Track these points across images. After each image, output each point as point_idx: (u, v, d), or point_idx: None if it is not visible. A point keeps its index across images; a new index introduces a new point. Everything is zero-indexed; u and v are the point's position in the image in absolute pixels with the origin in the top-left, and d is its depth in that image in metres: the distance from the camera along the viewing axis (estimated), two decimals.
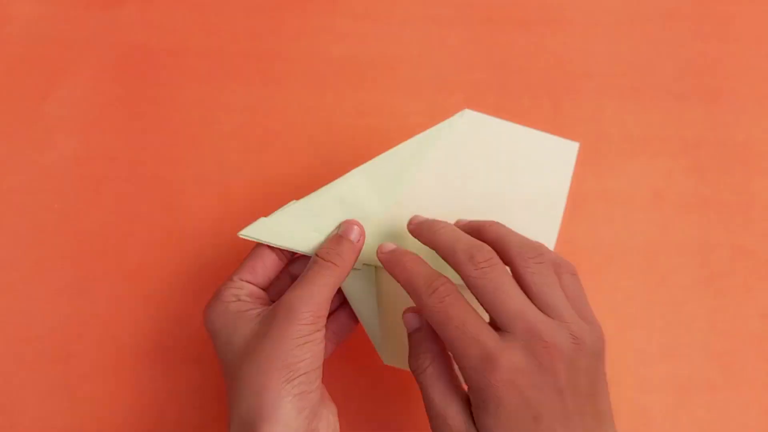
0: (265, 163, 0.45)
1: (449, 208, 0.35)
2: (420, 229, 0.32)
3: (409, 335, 0.32)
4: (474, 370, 0.27)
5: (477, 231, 0.32)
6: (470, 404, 0.28)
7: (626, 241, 0.44)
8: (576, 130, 0.47)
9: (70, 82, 0.47)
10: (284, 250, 0.34)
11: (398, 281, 0.31)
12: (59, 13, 0.49)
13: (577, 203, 0.45)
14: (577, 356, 0.27)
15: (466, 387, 0.29)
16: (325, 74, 0.48)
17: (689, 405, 0.40)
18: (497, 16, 0.50)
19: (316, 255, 0.32)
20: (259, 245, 0.34)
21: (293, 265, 0.36)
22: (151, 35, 0.49)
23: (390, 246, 0.32)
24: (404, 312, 0.33)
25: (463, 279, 0.29)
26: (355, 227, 0.33)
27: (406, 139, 0.47)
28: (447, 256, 0.30)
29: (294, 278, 0.34)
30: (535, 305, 0.28)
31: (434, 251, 0.31)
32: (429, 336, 0.31)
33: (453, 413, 0.28)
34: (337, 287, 0.32)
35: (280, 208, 0.34)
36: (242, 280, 0.33)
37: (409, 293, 0.30)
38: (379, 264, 0.32)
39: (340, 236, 0.33)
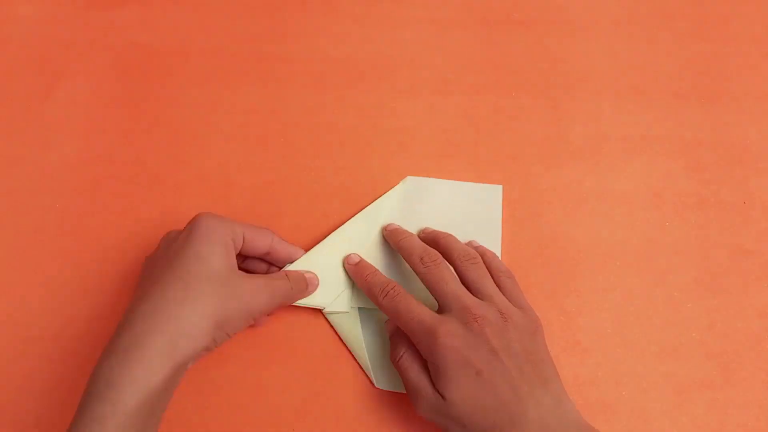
0: (265, 163, 0.45)
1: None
2: (390, 236, 0.42)
3: (390, 337, 0.39)
4: (423, 343, 0.35)
5: (433, 240, 0.41)
6: None
7: (625, 240, 0.44)
8: (576, 130, 0.47)
9: (71, 82, 0.47)
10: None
11: (360, 288, 0.40)
12: (59, 13, 0.49)
13: (576, 203, 0.45)
14: (505, 327, 0.35)
15: None
16: (325, 75, 0.48)
17: (688, 404, 0.40)
18: (497, 16, 0.50)
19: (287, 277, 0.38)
20: (266, 230, 0.39)
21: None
22: (151, 35, 0.49)
23: (355, 259, 0.41)
24: (386, 322, 0.40)
25: (416, 274, 0.38)
26: (315, 281, 0.40)
27: (406, 139, 0.47)
28: (405, 257, 0.40)
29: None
30: (471, 293, 0.37)
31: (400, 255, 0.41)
32: (402, 334, 0.38)
33: (423, 385, 0.35)
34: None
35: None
36: (243, 236, 0.37)
37: (369, 297, 0.39)
38: (365, 306, 0.41)
39: (305, 279, 0.40)
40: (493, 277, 0.39)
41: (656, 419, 0.40)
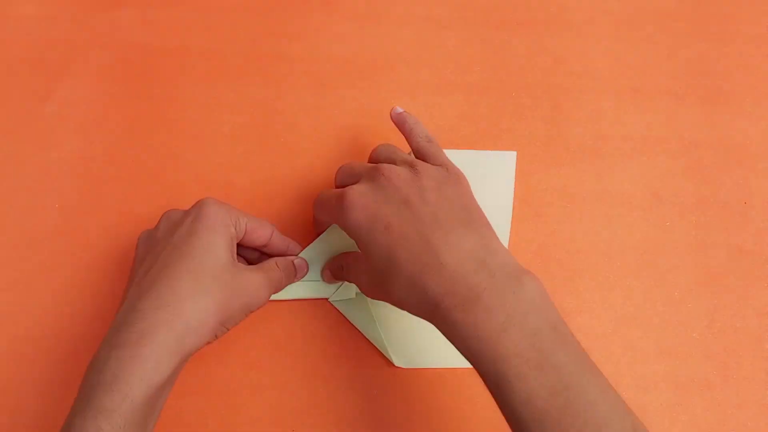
0: (265, 163, 0.45)
1: None
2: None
3: (333, 274, 0.40)
4: (336, 213, 0.34)
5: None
6: None
7: (625, 240, 0.44)
8: (576, 130, 0.47)
9: (71, 82, 0.47)
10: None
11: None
12: (59, 13, 0.49)
13: (576, 203, 0.45)
14: (416, 177, 0.33)
15: None
16: (325, 74, 0.48)
17: (687, 404, 0.41)
18: (497, 16, 0.50)
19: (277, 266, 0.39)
20: (267, 222, 0.39)
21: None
22: (151, 35, 0.49)
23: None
24: (322, 270, 0.41)
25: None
26: (304, 268, 0.40)
27: (404, 139, 0.47)
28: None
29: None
30: None
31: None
32: (337, 266, 0.39)
33: (359, 272, 0.36)
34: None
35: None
36: (245, 227, 0.37)
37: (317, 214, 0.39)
38: None
39: (295, 266, 0.40)
40: (412, 144, 0.38)
41: (656, 419, 0.40)
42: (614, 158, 0.46)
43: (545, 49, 0.49)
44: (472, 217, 0.33)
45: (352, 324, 0.41)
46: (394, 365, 0.40)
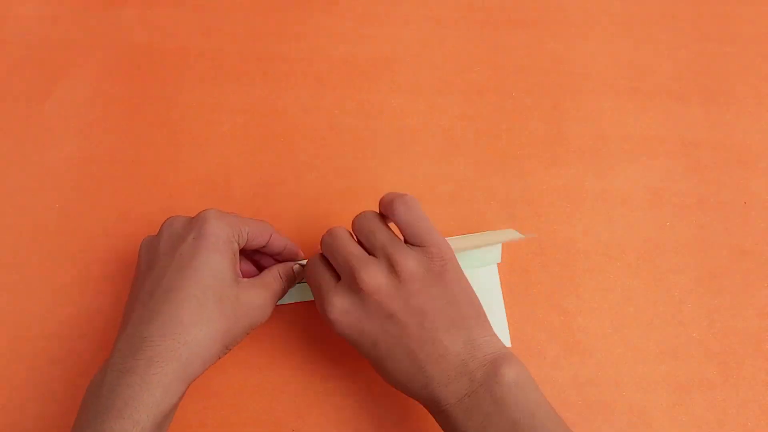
0: (265, 163, 0.45)
1: None
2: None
3: None
4: (322, 312, 0.34)
5: None
6: None
7: (625, 240, 0.44)
8: (576, 130, 0.47)
9: (71, 82, 0.47)
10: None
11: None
12: (59, 13, 0.49)
13: (576, 203, 0.45)
14: (398, 285, 0.32)
15: None
16: (325, 74, 0.48)
17: (688, 404, 0.41)
18: (497, 16, 0.50)
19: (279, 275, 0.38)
20: (266, 224, 0.38)
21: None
22: (151, 35, 0.49)
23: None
24: None
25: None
26: (302, 272, 0.39)
27: (406, 139, 0.47)
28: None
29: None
30: (367, 251, 0.34)
31: None
32: None
33: None
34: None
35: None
36: (247, 236, 0.37)
37: None
38: None
39: (294, 272, 0.39)
40: (388, 212, 0.34)
41: (656, 419, 0.40)
42: (614, 158, 0.46)
43: (545, 49, 0.49)
44: (460, 311, 0.33)
45: None
46: None
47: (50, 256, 0.43)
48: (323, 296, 0.34)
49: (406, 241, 0.34)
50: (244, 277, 0.38)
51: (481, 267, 0.42)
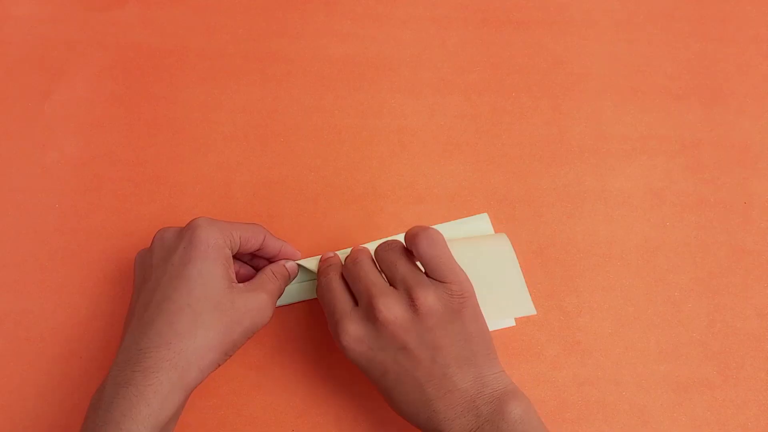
0: (265, 163, 0.45)
1: None
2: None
3: None
4: (333, 335, 0.35)
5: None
6: None
7: (625, 240, 0.44)
8: (576, 130, 0.47)
9: (71, 82, 0.47)
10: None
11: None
12: (59, 13, 0.49)
13: (576, 203, 0.45)
14: (415, 318, 0.33)
15: None
16: (325, 74, 0.48)
17: (688, 404, 0.41)
18: (497, 16, 0.50)
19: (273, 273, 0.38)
20: (258, 226, 0.39)
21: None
22: (151, 35, 0.49)
23: (328, 254, 0.39)
24: None
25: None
26: (294, 270, 0.40)
27: (406, 139, 0.47)
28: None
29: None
30: (389, 282, 0.35)
31: None
32: None
33: None
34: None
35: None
36: (239, 240, 0.37)
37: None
38: None
39: (288, 270, 0.40)
40: (411, 246, 0.34)
41: (656, 419, 0.40)
42: (614, 158, 0.46)
43: (545, 49, 0.49)
44: (472, 348, 0.33)
45: None
46: None
47: (50, 256, 0.43)
48: (337, 320, 0.34)
49: (427, 275, 0.34)
50: (243, 281, 0.38)
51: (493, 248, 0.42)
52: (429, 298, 0.33)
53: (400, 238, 0.43)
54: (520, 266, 0.43)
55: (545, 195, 0.45)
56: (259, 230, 0.38)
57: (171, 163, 0.45)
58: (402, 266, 0.34)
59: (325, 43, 0.49)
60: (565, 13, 0.51)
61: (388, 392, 0.34)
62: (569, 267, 0.43)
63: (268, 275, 0.38)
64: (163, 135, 0.46)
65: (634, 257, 0.44)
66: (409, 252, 0.35)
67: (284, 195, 0.45)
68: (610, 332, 0.42)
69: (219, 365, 0.34)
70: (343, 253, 0.42)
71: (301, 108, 0.47)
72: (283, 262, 0.40)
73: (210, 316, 0.33)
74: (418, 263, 0.35)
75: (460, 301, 0.33)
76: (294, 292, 0.41)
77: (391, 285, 0.34)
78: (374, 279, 0.34)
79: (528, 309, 0.39)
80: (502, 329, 0.41)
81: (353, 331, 0.33)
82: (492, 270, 0.39)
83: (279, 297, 0.39)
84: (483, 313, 0.35)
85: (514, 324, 0.41)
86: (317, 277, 0.38)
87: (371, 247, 0.42)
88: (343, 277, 0.37)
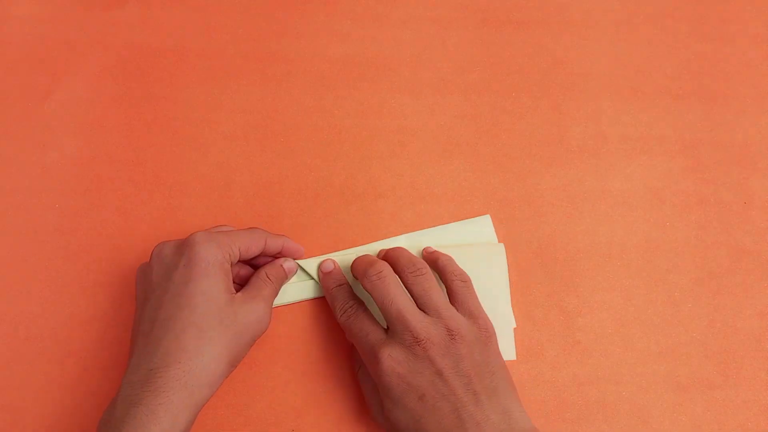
0: (265, 163, 0.45)
1: None
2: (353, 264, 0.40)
3: (352, 348, 0.40)
4: (369, 364, 0.35)
5: (384, 254, 0.40)
6: None
7: (625, 240, 0.44)
8: (576, 130, 0.47)
9: (70, 82, 0.47)
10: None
11: (325, 295, 0.40)
12: (59, 13, 0.49)
13: (576, 203, 0.45)
14: (452, 345, 0.34)
15: None
16: (325, 74, 0.48)
17: (688, 404, 0.41)
18: (497, 16, 0.50)
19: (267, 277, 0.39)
20: (259, 231, 0.39)
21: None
22: (151, 35, 0.49)
23: (329, 267, 0.41)
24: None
25: (365, 291, 0.37)
26: (293, 268, 0.41)
27: (406, 139, 0.47)
28: (354, 273, 0.39)
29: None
30: (419, 306, 0.36)
31: None
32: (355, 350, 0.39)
33: (374, 403, 0.37)
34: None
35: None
36: (238, 251, 0.37)
37: (330, 307, 0.39)
38: None
39: (284, 270, 0.40)
40: (446, 281, 0.38)
41: (656, 419, 0.40)
42: (614, 158, 0.46)
43: (545, 49, 0.49)
44: (498, 382, 0.34)
45: None
46: None
47: (50, 256, 0.43)
48: (375, 346, 0.35)
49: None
50: (243, 282, 0.38)
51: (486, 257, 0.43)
52: (462, 328, 0.35)
53: (400, 238, 0.43)
54: (520, 267, 0.43)
55: (545, 195, 0.45)
56: (259, 236, 0.38)
57: (171, 163, 0.45)
58: (435, 295, 0.36)
59: (325, 43, 0.49)
60: (565, 13, 0.51)
61: (421, 418, 0.33)
62: (569, 267, 0.43)
63: (263, 279, 0.38)
64: (163, 135, 0.46)
65: (634, 257, 0.44)
66: (435, 279, 0.38)
67: (284, 195, 0.45)
68: (610, 332, 0.42)
69: (226, 377, 0.35)
70: (341, 254, 0.42)
71: (301, 108, 0.47)
72: (280, 261, 0.40)
73: (215, 332, 0.33)
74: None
75: (487, 335, 0.36)
76: (293, 291, 0.41)
77: (420, 309, 0.36)
78: (405, 301, 0.36)
79: (509, 322, 0.41)
80: None
81: (394, 354, 0.34)
82: (480, 282, 0.39)
83: (275, 297, 0.39)
84: None
85: (515, 358, 0.41)
86: (332, 301, 0.39)
87: (371, 246, 0.43)
88: (354, 296, 0.39)
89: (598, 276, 0.43)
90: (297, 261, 0.41)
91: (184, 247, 0.35)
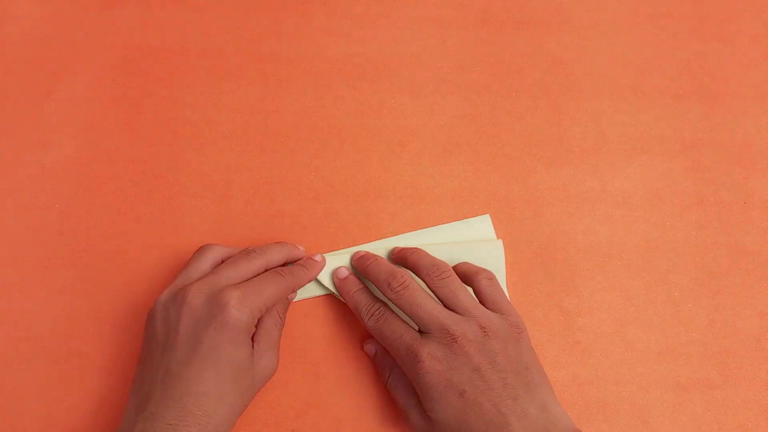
0: (265, 163, 0.45)
1: None
2: (358, 263, 0.41)
3: (373, 358, 0.40)
4: (407, 365, 0.35)
5: (402, 258, 0.40)
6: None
7: (625, 240, 0.44)
8: (576, 130, 0.47)
9: (70, 82, 0.47)
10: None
11: (347, 303, 0.40)
12: (59, 13, 0.49)
13: (576, 203, 0.45)
14: (486, 341, 0.35)
15: None
16: (325, 74, 0.48)
17: (688, 404, 0.41)
18: (497, 16, 0.50)
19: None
20: (287, 278, 0.39)
21: None
22: (151, 35, 0.49)
23: (344, 273, 0.41)
24: (364, 343, 0.41)
25: (389, 300, 0.37)
26: (321, 264, 0.41)
27: (406, 139, 0.47)
28: (374, 284, 0.39)
29: None
30: (447, 308, 0.36)
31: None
32: (385, 354, 0.39)
33: (411, 405, 0.36)
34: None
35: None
36: (266, 307, 0.37)
37: (354, 314, 0.39)
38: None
39: (304, 270, 0.40)
40: (471, 281, 0.38)
41: (656, 419, 0.40)
42: (614, 158, 0.46)
43: (545, 49, 0.49)
44: (532, 377, 0.35)
45: (352, 323, 0.41)
46: None
47: (50, 256, 0.43)
48: (412, 345, 0.35)
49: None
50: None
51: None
52: (494, 324, 0.35)
53: (400, 238, 0.43)
54: (520, 267, 0.43)
55: (545, 195, 0.45)
56: (288, 282, 0.38)
57: (171, 163, 0.45)
58: (463, 296, 0.37)
59: (325, 43, 0.49)
60: (565, 13, 0.51)
61: (464, 414, 0.33)
62: (569, 267, 0.43)
63: (275, 319, 0.39)
64: (163, 135, 0.46)
65: (634, 257, 0.44)
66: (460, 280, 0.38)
67: (284, 195, 0.45)
68: (610, 332, 0.42)
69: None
70: (339, 255, 0.42)
71: (301, 108, 0.47)
72: (290, 297, 0.41)
73: (234, 391, 0.34)
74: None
75: (518, 331, 0.36)
76: (306, 291, 0.42)
77: (445, 305, 0.36)
78: (434, 304, 0.36)
79: None
80: None
81: (434, 352, 0.34)
82: None
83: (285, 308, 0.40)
84: None
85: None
86: (356, 306, 0.39)
87: (371, 246, 0.43)
88: (376, 299, 0.38)
89: (598, 276, 0.43)
90: (311, 280, 0.41)
91: (216, 304, 0.35)
